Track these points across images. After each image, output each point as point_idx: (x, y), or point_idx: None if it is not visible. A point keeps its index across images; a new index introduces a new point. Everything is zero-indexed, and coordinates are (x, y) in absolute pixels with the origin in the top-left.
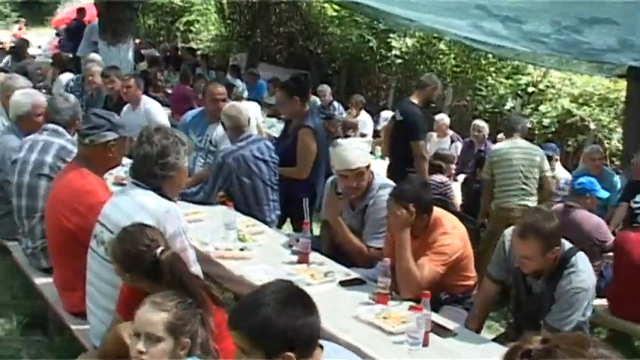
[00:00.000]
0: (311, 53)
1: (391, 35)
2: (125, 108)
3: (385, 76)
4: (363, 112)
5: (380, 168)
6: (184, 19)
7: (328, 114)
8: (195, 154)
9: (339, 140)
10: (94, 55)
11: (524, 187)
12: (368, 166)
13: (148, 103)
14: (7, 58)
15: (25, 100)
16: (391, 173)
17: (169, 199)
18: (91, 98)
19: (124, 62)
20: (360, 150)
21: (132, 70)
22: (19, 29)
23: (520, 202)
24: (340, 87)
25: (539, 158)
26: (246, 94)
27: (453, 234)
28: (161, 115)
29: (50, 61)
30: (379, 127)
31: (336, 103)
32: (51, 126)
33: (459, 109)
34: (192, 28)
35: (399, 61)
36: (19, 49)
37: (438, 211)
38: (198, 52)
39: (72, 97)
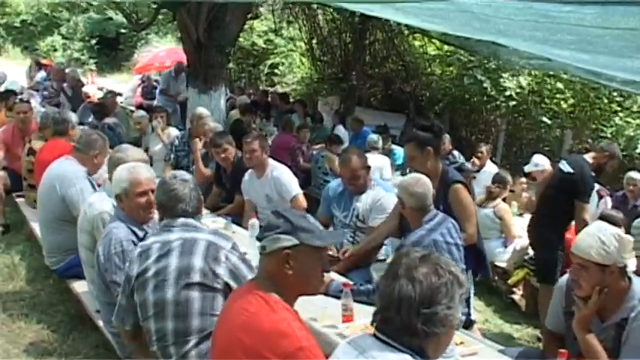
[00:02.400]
0: (410, 95)
1: (504, 75)
2: (247, 175)
3: (493, 118)
4: (489, 163)
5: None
6: (269, 62)
7: (461, 165)
8: (342, 232)
9: None
10: (203, 111)
11: None
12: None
13: (277, 170)
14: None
15: (124, 176)
16: (538, 232)
17: None
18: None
19: (215, 111)
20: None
21: (224, 119)
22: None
23: None
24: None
25: None
26: (380, 143)
27: None
28: (294, 184)
29: (143, 113)
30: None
31: (456, 152)
32: (180, 221)
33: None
34: (276, 70)
35: (512, 102)
36: (107, 104)
37: None
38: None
39: (189, 177)
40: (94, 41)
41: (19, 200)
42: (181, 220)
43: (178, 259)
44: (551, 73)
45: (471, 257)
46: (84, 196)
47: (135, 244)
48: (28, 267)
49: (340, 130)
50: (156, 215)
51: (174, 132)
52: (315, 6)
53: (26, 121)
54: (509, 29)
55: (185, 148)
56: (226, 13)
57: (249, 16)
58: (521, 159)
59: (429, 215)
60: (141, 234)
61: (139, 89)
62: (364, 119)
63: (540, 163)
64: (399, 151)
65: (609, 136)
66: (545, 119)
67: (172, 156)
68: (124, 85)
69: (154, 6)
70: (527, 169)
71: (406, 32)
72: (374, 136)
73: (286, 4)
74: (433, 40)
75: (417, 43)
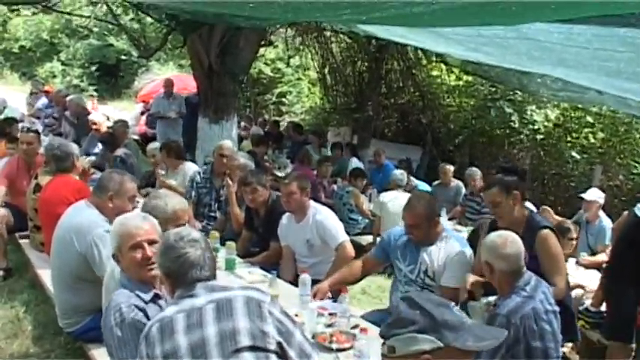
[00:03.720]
0: (427, 127)
1: (530, 107)
2: (285, 219)
3: (517, 152)
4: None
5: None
6: (277, 91)
7: None
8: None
9: None
10: (228, 144)
11: None
12: None
13: (319, 213)
14: (91, 140)
15: (115, 229)
16: (614, 285)
17: None
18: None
19: None
20: None
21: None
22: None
23: None
24: (463, 165)
25: None
26: (405, 179)
27: None
28: (340, 229)
29: (157, 145)
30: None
31: None
32: (200, 285)
33: (610, 190)
34: (284, 99)
35: (540, 136)
36: (117, 134)
37: None
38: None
39: (198, 236)
40: (93, 68)
41: (24, 242)
42: (200, 284)
43: (217, 325)
44: (580, 106)
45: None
46: (109, 253)
47: (140, 310)
48: (35, 321)
49: (355, 163)
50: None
51: (192, 167)
52: (328, 33)
53: (31, 153)
54: (577, 58)
55: (207, 184)
56: (240, 39)
57: (262, 42)
58: (544, 194)
59: (524, 279)
60: (148, 296)
61: (143, 118)
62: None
63: (599, 195)
64: (423, 186)
65: None
66: (574, 154)
67: (193, 193)
68: (126, 113)
69: (164, 31)
70: (587, 196)
71: (424, 62)
72: (398, 173)
73: (297, 30)
74: (453, 70)
75: (434, 73)
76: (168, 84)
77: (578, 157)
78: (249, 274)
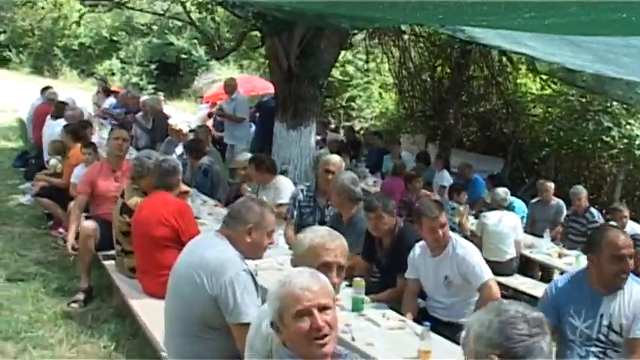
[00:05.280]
0: (511, 137)
1: (631, 121)
2: (418, 249)
3: (608, 167)
4: (631, 223)
5: None
6: (347, 95)
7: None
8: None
9: None
10: (335, 158)
11: None
12: None
13: (460, 246)
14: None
15: (274, 290)
16: None
17: None
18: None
19: (305, 149)
20: None
21: (313, 159)
22: None
23: None
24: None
25: None
26: (507, 201)
27: None
28: (485, 266)
29: (247, 157)
30: None
31: (594, 210)
32: None
33: None
34: (353, 104)
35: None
36: (200, 141)
37: None
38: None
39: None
40: (153, 66)
41: (108, 264)
42: None
43: None
44: None
45: None
46: (245, 299)
47: None
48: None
49: (446, 177)
50: None
51: (285, 182)
52: (406, 37)
53: (123, 154)
54: None
55: (311, 204)
56: (321, 41)
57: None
58: (634, 211)
59: None
60: None
61: (211, 121)
62: (455, 162)
63: None
64: (518, 204)
65: None
66: None
67: (295, 213)
68: (189, 114)
69: (241, 30)
70: None
71: (509, 69)
72: (502, 191)
73: (376, 33)
74: (541, 78)
75: (519, 81)
76: (230, 82)
77: None
78: (384, 319)
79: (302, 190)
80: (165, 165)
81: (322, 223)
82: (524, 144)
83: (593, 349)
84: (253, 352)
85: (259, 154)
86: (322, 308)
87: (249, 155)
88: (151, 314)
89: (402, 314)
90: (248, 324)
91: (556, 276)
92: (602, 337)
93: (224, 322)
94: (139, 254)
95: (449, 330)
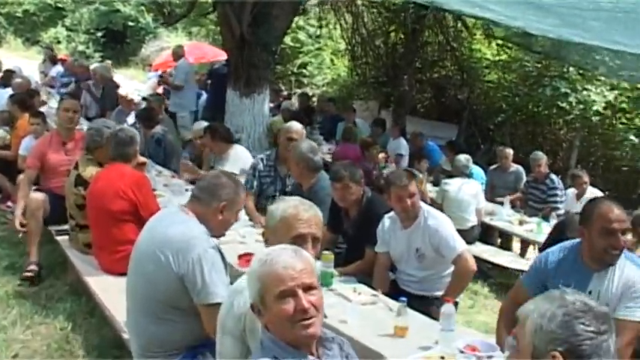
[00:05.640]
0: (465, 103)
1: (587, 87)
2: (387, 221)
3: (565, 132)
4: (591, 189)
5: None
6: (298, 62)
7: None
8: None
9: None
10: (297, 126)
11: None
12: None
13: (432, 217)
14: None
15: (254, 269)
16: None
17: None
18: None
19: (258, 117)
20: None
21: (267, 126)
22: None
23: None
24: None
25: None
26: (469, 169)
27: None
28: (457, 237)
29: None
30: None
31: (554, 176)
32: None
33: None
34: (304, 71)
35: (596, 118)
36: (152, 109)
37: None
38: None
39: None
40: (99, 34)
41: (61, 239)
42: None
43: None
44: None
45: None
46: (213, 278)
47: None
48: (86, 343)
49: (403, 144)
50: None
51: (242, 151)
52: (359, 1)
53: (73, 125)
54: None
55: (271, 173)
56: (273, 8)
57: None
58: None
59: None
60: None
61: (160, 89)
62: (410, 128)
63: None
64: (476, 170)
65: None
66: (632, 137)
67: (255, 183)
68: (137, 82)
69: None
70: None
71: (464, 34)
72: (463, 158)
73: None
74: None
75: (476, 47)
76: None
77: (636, 140)
78: (356, 293)
79: (262, 160)
80: (121, 134)
81: (284, 192)
82: (479, 110)
83: None
84: (225, 332)
85: (214, 123)
86: (307, 288)
87: (205, 124)
88: (109, 291)
89: (373, 288)
90: (218, 304)
91: (515, 243)
92: None
93: (191, 303)
94: (95, 229)
95: (421, 303)
